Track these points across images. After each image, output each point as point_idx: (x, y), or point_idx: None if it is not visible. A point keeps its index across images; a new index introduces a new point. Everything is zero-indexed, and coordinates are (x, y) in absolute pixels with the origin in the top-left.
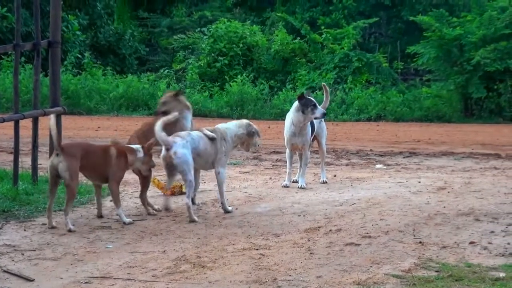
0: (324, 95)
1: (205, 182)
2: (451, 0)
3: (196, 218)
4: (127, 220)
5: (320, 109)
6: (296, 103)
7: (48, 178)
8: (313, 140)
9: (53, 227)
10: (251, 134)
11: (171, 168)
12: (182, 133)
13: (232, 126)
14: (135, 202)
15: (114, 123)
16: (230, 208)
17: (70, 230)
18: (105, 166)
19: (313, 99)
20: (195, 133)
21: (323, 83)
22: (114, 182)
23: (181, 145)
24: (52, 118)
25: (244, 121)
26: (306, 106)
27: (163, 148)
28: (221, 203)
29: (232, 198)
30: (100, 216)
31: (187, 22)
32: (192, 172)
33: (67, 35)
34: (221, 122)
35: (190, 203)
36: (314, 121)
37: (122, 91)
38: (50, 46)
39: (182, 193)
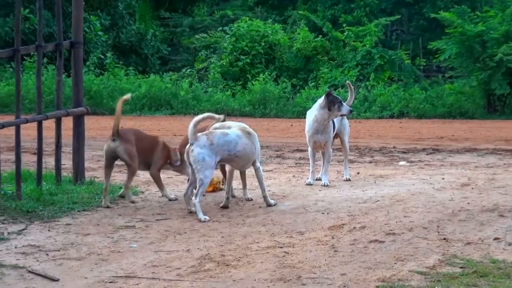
0: (349, 93)
1: None
2: None
3: (203, 218)
4: (172, 197)
5: (346, 106)
6: (320, 100)
7: (104, 161)
8: (335, 137)
9: (108, 207)
10: None
11: (190, 164)
12: (216, 132)
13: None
14: (159, 202)
15: (137, 123)
16: (273, 202)
17: (133, 202)
18: (151, 153)
19: (338, 96)
20: (233, 133)
21: (347, 81)
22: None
23: (201, 145)
24: (120, 102)
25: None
26: (333, 103)
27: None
28: (264, 197)
29: (255, 196)
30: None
31: (209, 21)
32: (207, 172)
33: (89, 35)
34: (244, 121)
35: (198, 201)
36: (334, 119)
37: (145, 91)
38: (72, 46)
39: (220, 189)
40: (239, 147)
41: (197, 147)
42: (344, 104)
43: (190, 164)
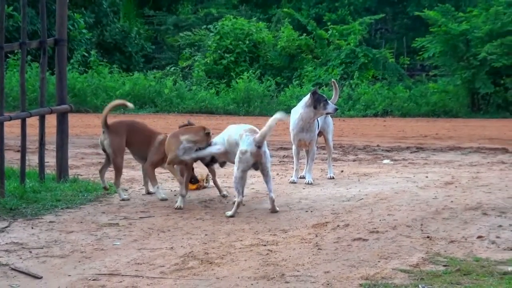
0: (334, 91)
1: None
2: None
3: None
4: (163, 196)
5: (332, 105)
6: (306, 98)
7: None
8: (319, 135)
9: (105, 188)
10: None
11: (256, 165)
12: (266, 131)
13: None
14: (142, 199)
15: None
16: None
17: (123, 199)
18: (147, 148)
19: (324, 95)
20: None
21: (332, 79)
22: (150, 163)
23: (266, 144)
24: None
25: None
26: (318, 101)
27: (253, 144)
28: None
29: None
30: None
31: (193, 20)
32: None
33: (73, 33)
34: (228, 119)
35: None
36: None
37: (129, 88)
38: (56, 44)
39: (204, 187)
40: None
41: (266, 148)
42: (330, 102)
43: (254, 165)
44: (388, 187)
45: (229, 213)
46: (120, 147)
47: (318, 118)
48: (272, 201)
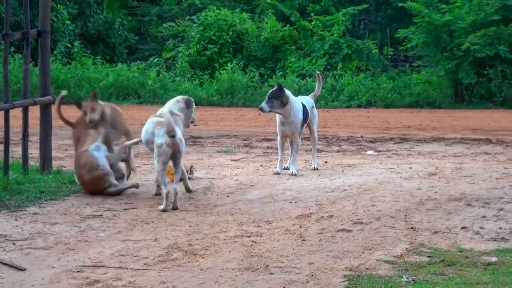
0: (317, 83)
1: (196, 170)
2: None
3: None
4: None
5: (262, 103)
6: None
7: None
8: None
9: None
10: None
11: (173, 156)
12: (169, 119)
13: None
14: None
15: None
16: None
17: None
18: None
19: (273, 90)
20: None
21: (317, 71)
22: None
23: (180, 132)
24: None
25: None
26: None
27: (165, 136)
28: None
29: (223, 186)
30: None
31: (177, 10)
32: None
33: (57, 24)
34: (212, 111)
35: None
36: (308, 108)
37: (112, 80)
38: (39, 35)
39: (188, 178)
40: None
41: (180, 135)
42: (264, 100)
43: (171, 156)
44: (372, 178)
45: (161, 207)
46: (74, 137)
47: (308, 109)
48: (175, 194)
